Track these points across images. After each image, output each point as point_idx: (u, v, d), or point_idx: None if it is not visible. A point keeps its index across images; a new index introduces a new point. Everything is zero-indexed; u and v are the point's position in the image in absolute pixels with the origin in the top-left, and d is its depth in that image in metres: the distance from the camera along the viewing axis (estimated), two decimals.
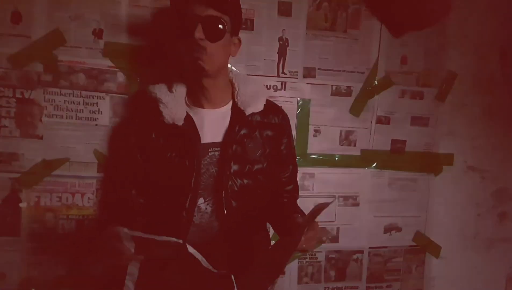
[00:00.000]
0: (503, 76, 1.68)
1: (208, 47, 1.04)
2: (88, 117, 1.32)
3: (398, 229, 1.63)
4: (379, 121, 1.56)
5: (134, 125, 1.20)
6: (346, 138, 1.54)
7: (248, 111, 1.15)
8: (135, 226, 1.02)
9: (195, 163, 1.10)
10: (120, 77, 1.33)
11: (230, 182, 1.11)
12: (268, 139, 1.18)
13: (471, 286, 1.74)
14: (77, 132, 1.31)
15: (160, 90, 1.15)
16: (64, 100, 1.30)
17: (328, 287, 1.57)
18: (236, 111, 1.16)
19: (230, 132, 1.13)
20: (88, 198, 1.33)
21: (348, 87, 1.52)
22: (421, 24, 1.49)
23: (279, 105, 1.33)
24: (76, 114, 1.31)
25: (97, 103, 1.32)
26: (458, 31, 1.62)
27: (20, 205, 1.29)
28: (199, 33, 1.03)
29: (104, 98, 1.32)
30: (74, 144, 1.31)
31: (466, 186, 1.70)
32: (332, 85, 1.50)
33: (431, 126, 1.62)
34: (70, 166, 1.31)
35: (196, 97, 1.15)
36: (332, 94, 1.51)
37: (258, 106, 1.17)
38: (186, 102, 1.16)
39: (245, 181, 1.13)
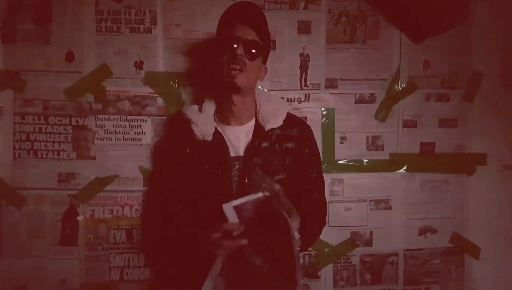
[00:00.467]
0: None
1: (246, 63, 1.20)
2: (133, 138, 1.49)
3: (433, 231, 1.64)
4: (406, 125, 1.60)
5: (172, 143, 1.36)
6: (373, 143, 1.60)
7: (267, 127, 1.27)
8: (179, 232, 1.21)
9: (226, 173, 1.22)
10: (160, 101, 1.50)
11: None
12: (288, 151, 1.28)
13: None
14: (125, 152, 1.48)
15: (191, 111, 1.30)
16: (113, 125, 1.48)
17: None
18: (258, 127, 1.28)
19: (251, 146, 1.25)
20: (136, 210, 1.49)
21: (372, 94, 1.58)
22: (440, 28, 1.53)
23: (304, 115, 1.44)
24: (123, 136, 1.48)
25: (140, 125, 1.49)
26: (482, 31, 1.63)
27: (78, 218, 1.48)
28: (240, 50, 1.20)
29: (146, 121, 1.49)
30: (122, 162, 1.48)
31: (503, 185, 1.67)
32: (355, 94, 1.57)
33: (461, 127, 1.63)
34: (119, 181, 1.48)
35: (224, 115, 1.29)
36: (356, 101, 1.58)
37: (278, 122, 1.28)
38: (215, 119, 1.30)
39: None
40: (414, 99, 1.60)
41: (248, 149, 1.25)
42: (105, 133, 1.48)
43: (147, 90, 1.49)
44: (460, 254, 1.65)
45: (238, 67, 1.19)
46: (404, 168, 1.61)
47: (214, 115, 1.31)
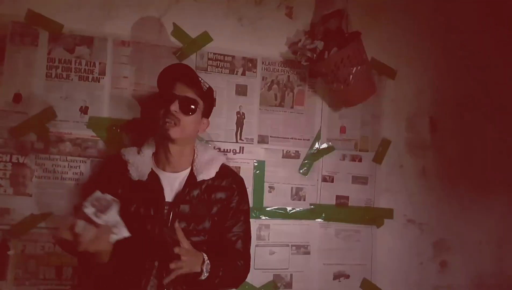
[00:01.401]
0: (433, 142, 1.96)
1: (181, 118, 1.31)
2: (71, 178, 1.57)
3: (346, 276, 1.83)
4: (324, 179, 1.82)
5: (104, 182, 1.37)
6: (297, 194, 1.79)
7: (199, 178, 1.36)
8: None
9: (158, 214, 1.30)
10: (101, 144, 1.60)
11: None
12: (217, 201, 1.37)
13: None
14: (61, 191, 1.56)
15: (129, 152, 1.39)
16: (52, 164, 1.56)
17: None
18: (191, 176, 1.37)
19: (180, 193, 1.34)
20: None
21: (297, 151, 1.80)
22: (351, 102, 1.80)
23: (238, 165, 1.64)
24: (61, 175, 1.56)
25: (79, 166, 1.58)
26: (391, 104, 1.93)
27: (8, 253, 1.50)
28: (174, 106, 1.30)
29: (85, 162, 1.58)
30: (58, 200, 1.55)
31: (407, 237, 1.92)
32: (283, 149, 1.78)
33: (370, 184, 1.87)
34: (53, 219, 1.54)
35: (161, 160, 1.38)
36: (283, 156, 1.78)
37: (210, 173, 1.38)
38: (153, 162, 1.39)
39: (192, 238, 1.29)
40: (332, 158, 1.84)
41: (177, 196, 1.34)
42: (43, 172, 1.55)
43: (89, 133, 1.60)
44: None
45: (172, 122, 1.30)
46: (322, 216, 1.81)
47: (152, 158, 1.40)
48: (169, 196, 1.34)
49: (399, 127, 1.94)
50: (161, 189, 1.33)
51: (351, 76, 1.66)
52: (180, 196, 1.34)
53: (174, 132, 1.30)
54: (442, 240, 1.96)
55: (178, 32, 1.69)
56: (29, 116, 1.55)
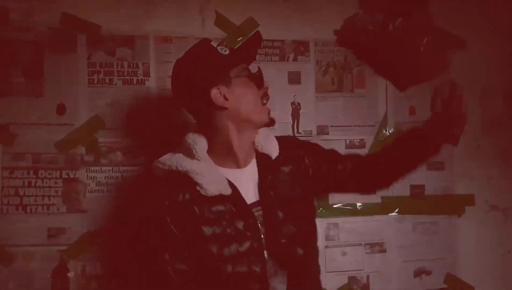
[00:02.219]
0: (510, 119, 1.74)
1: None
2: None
3: (428, 273, 1.65)
4: None
5: (162, 209, 1.03)
6: None
7: (273, 155, 1.12)
8: None
9: (253, 228, 1.03)
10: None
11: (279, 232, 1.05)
12: (292, 170, 1.15)
13: None
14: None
15: (181, 161, 1.05)
16: (105, 176, 1.45)
17: None
18: (262, 160, 1.12)
19: (262, 183, 1.09)
20: None
21: (361, 140, 1.63)
22: (422, 79, 1.60)
23: None
24: (116, 188, 1.46)
25: (133, 176, 1.47)
26: (463, 78, 1.71)
27: (68, 274, 1.42)
28: (266, 83, 1.10)
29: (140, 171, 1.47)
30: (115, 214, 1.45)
31: (491, 225, 1.72)
32: (345, 139, 1.61)
33: (447, 170, 1.68)
34: None
35: (229, 157, 1.08)
36: (347, 147, 1.61)
37: (276, 147, 1.15)
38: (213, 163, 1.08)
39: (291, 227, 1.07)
40: None
41: (261, 188, 1.08)
42: (96, 185, 1.45)
43: (140, 140, 1.48)
44: None
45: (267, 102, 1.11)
46: (396, 210, 1.64)
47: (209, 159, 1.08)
48: (250, 197, 1.07)
49: (472, 104, 1.72)
50: (244, 202, 1.05)
51: (422, 48, 1.46)
52: (265, 186, 1.08)
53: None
54: None
55: (221, 20, 1.55)
56: (75, 127, 1.45)
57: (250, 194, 1.07)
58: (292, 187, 1.13)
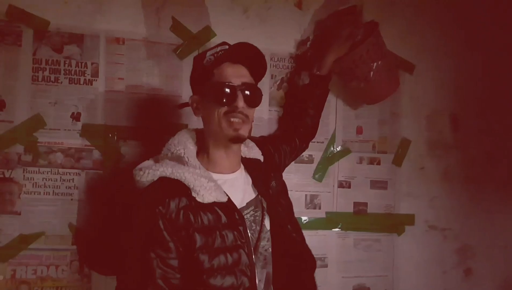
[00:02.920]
0: (455, 141, 1.82)
1: (249, 114, 1.07)
2: (64, 193, 1.41)
3: (367, 289, 1.69)
4: (341, 185, 1.68)
5: (161, 218, 1.00)
6: (311, 202, 1.64)
7: (261, 158, 1.25)
8: None
9: (242, 233, 1.04)
10: (96, 154, 1.44)
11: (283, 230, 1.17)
12: (270, 164, 1.29)
13: None
14: (54, 207, 1.40)
15: (175, 168, 1.04)
16: (42, 178, 1.40)
17: None
18: (248, 165, 1.18)
19: (263, 182, 1.18)
20: (63, 270, 1.39)
21: (310, 155, 1.65)
22: (372, 100, 1.65)
23: None
24: (53, 190, 1.40)
25: (73, 179, 1.42)
26: (410, 101, 1.78)
27: None
28: (241, 103, 1.04)
29: (79, 175, 1.42)
30: (50, 219, 1.39)
31: (430, 245, 1.78)
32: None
33: (390, 189, 1.73)
34: (45, 239, 1.39)
35: (217, 163, 1.11)
36: (296, 161, 1.61)
37: (257, 151, 1.27)
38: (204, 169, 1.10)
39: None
40: (348, 162, 1.69)
41: (260, 186, 1.15)
42: (33, 187, 1.39)
43: (83, 142, 1.44)
44: None
45: (241, 120, 1.05)
46: (339, 226, 1.67)
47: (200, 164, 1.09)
48: (242, 200, 1.11)
49: (419, 126, 1.79)
50: (236, 209, 1.07)
51: (371, 73, 1.50)
52: (261, 184, 1.17)
53: (244, 131, 1.06)
54: (466, 246, 1.83)
55: (177, 27, 1.53)
56: (14, 125, 1.39)
57: (242, 196, 1.11)
58: (277, 180, 1.24)
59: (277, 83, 1.62)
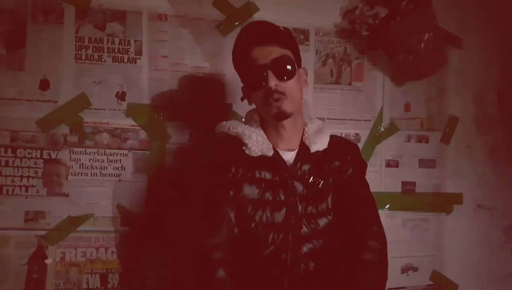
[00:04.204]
0: (503, 118, 1.76)
1: (285, 89, 1.04)
2: (112, 174, 1.38)
3: (415, 269, 1.65)
4: (388, 164, 1.63)
5: (218, 166, 1.09)
6: None
7: (313, 149, 1.11)
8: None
9: (290, 194, 1.06)
10: (142, 134, 1.41)
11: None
12: (331, 171, 1.13)
13: None
14: (102, 188, 1.37)
15: (237, 125, 1.11)
16: (89, 159, 1.37)
17: None
18: (303, 149, 1.12)
19: (291, 169, 1.09)
20: (112, 252, 1.37)
21: (356, 134, 1.60)
22: (420, 75, 1.59)
23: None
24: (101, 171, 1.37)
25: (120, 160, 1.39)
26: (457, 77, 1.71)
27: (46, 261, 1.33)
28: (272, 81, 1.03)
29: (127, 155, 1.39)
30: (99, 200, 1.37)
31: (477, 224, 1.73)
32: (341, 133, 1.58)
33: (438, 168, 1.68)
34: (94, 221, 1.36)
35: (272, 138, 1.12)
36: None
37: (324, 143, 1.13)
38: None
39: (319, 220, 1.09)
40: (395, 140, 1.63)
41: (287, 171, 1.09)
42: (80, 168, 1.36)
43: (128, 122, 1.40)
44: None
45: (279, 97, 1.03)
46: (387, 206, 1.62)
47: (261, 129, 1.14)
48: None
49: (466, 102, 1.72)
50: (286, 167, 1.08)
51: (422, 44, 1.44)
52: (292, 173, 1.09)
53: (287, 106, 1.04)
54: None
55: (220, 2, 1.47)
56: (59, 105, 1.36)
57: None
58: (324, 183, 1.12)
59: (322, 59, 1.57)
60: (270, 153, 1.08)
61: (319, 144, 1.13)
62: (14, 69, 1.33)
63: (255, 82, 1.06)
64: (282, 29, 1.12)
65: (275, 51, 1.05)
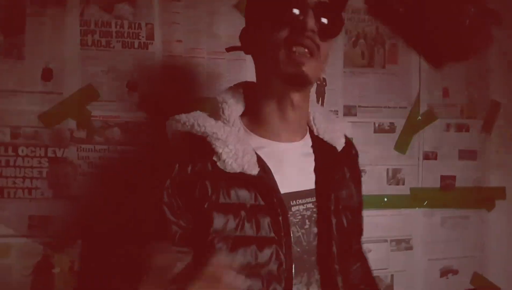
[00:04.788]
0: None
1: (320, 44, 0.77)
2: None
3: (455, 272, 1.51)
4: (426, 157, 1.48)
5: (169, 185, 0.79)
6: (394, 177, 1.45)
7: (339, 146, 0.90)
8: None
9: (281, 222, 0.77)
10: (157, 129, 1.27)
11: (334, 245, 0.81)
12: (350, 178, 0.93)
13: None
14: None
15: (204, 120, 0.80)
16: (99, 157, 1.23)
17: None
18: (321, 147, 0.88)
19: (329, 174, 0.85)
20: None
21: (391, 123, 1.45)
22: (462, 56, 1.43)
23: None
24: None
25: (133, 157, 1.25)
26: (500, 60, 1.56)
27: (53, 271, 1.20)
28: (311, 22, 0.74)
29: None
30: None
31: None
32: (374, 122, 1.43)
33: (479, 159, 1.53)
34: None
35: (270, 126, 0.83)
36: (375, 131, 1.43)
37: (341, 139, 0.92)
38: (245, 132, 0.83)
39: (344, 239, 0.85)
40: (434, 129, 1.48)
41: (323, 178, 0.84)
42: (89, 167, 1.23)
43: (142, 115, 1.26)
44: None
45: (307, 50, 0.75)
46: (425, 203, 1.48)
47: (241, 124, 0.84)
48: (292, 183, 0.82)
49: (507, 88, 1.57)
50: (276, 189, 0.79)
51: (467, 20, 1.29)
52: (331, 179, 0.85)
53: (312, 70, 0.76)
54: None
55: None
56: (64, 97, 1.22)
57: (297, 178, 0.83)
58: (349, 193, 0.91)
59: (352, 40, 1.41)
60: (254, 171, 0.77)
61: (336, 141, 0.90)
62: (13, 57, 1.18)
63: (284, 13, 0.75)
64: None
65: None
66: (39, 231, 1.19)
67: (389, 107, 1.45)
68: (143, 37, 1.26)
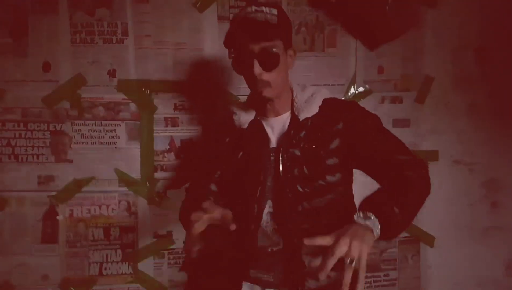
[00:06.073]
0: (481, 75, 1.80)
1: (269, 78, 1.10)
2: (108, 142, 1.59)
3: None
4: None
5: (213, 133, 1.33)
6: None
7: (301, 117, 1.17)
8: None
9: (261, 164, 1.15)
10: (132, 107, 1.60)
11: (288, 189, 1.12)
12: (335, 133, 1.15)
13: (470, 273, 1.82)
14: (100, 155, 1.59)
15: (237, 104, 1.32)
16: (88, 129, 1.58)
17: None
18: (294, 118, 1.18)
19: (285, 137, 1.16)
20: (112, 209, 1.60)
21: None
22: (393, 35, 1.65)
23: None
24: (99, 140, 1.59)
25: (115, 130, 1.59)
26: (433, 36, 1.76)
27: (57, 217, 1.58)
28: (258, 69, 1.08)
29: (120, 125, 1.59)
30: (98, 165, 1.59)
31: (455, 179, 1.80)
32: None
33: (413, 126, 1.76)
34: (96, 183, 1.59)
35: (260, 107, 1.21)
36: None
37: (312, 110, 1.18)
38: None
39: (309, 187, 1.13)
40: (370, 102, 1.72)
41: (281, 140, 1.17)
42: (81, 138, 1.58)
43: (120, 96, 1.59)
44: (416, 243, 1.79)
45: (263, 85, 1.11)
46: None
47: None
48: (275, 143, 1.19)
49: (443, 62, 1.78)
50: (265, 135, 1.18)
51: (387, 6, 1.51)
52: (285, 139, 1.16)
53: (269, 93, 1.12)
54: (493, 180, 1.84)
55: None
56: (59, 84, 1.57)
57: (272, 138, 1.19)
58: (323, 145, 1.15)
59: (295, 28, 1.67)
60: (245, 125, 1.20)
61: (306, 111, 1.17)
62: (20, 55, 1.55)
63: (242, 67, 1.13)
64: (276, 13, 1.10)
65: (264, 43, 1.08)
66: (46, 187, 1.57)
67: (328, 84, 1.69)
68: (119, 33, 1.58)
